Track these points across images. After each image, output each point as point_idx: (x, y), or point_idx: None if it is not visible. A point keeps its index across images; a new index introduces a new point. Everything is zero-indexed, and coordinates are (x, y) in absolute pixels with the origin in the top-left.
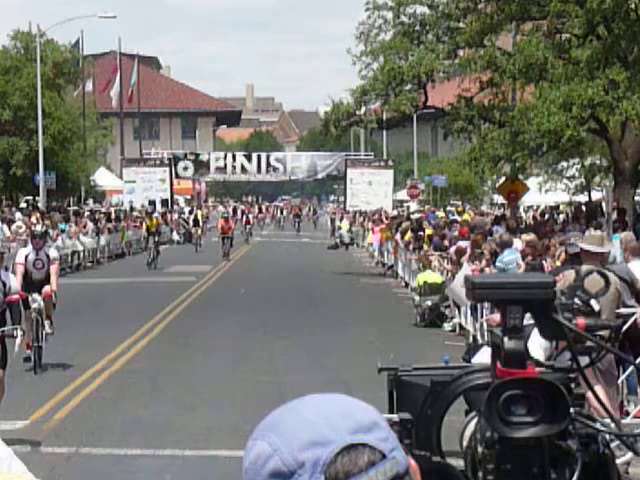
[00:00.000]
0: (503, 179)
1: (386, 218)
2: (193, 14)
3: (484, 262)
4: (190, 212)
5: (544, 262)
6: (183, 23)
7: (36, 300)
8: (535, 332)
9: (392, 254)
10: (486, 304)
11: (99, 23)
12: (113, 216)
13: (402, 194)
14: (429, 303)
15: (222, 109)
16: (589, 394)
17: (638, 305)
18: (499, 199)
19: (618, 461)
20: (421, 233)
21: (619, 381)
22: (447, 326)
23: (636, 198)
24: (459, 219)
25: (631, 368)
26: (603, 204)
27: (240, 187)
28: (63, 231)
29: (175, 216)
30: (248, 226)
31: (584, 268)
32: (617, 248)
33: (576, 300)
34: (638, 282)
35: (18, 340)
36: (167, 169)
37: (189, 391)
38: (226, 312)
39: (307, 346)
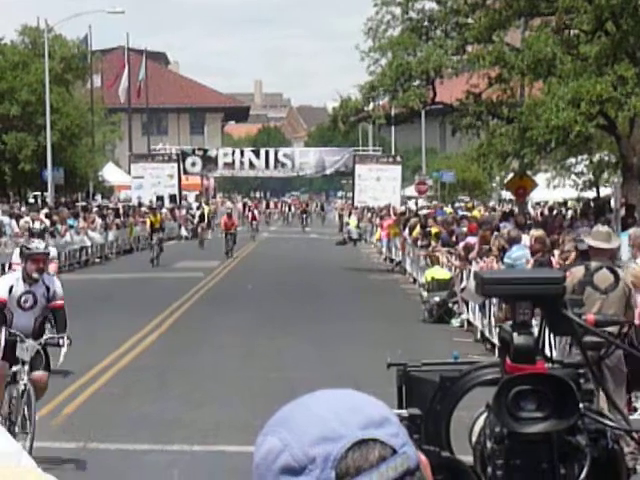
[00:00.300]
0: (511, 175)
1: (394, 214)
2: (201, 10)
3: (492, 258)
4: (198, 208)
5: (552, 258)
6: (191, 19)
7: None
8: None
9: (400, 250)
10: (494, 300)
11: (107, 18)
12: (121, 212)
13: (410, 190)
14: (437, 299)
15: (230, 105)
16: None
17: None
18: (507, 195)
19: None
20: (429, 229)
21: None
22: (455, 322)
23: None
24: (468, 215)
25: None
26: (612, 200)
27: (248, 183)
28: (71, 227)
29: (183, 212)
30: (254, 222)
31: (594, 264)
32: (625, 245)
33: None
34: None
35: (64, 349)
36: (175, 165)
37: (197, 387)
38: (234, 308)
39: (315, 342)
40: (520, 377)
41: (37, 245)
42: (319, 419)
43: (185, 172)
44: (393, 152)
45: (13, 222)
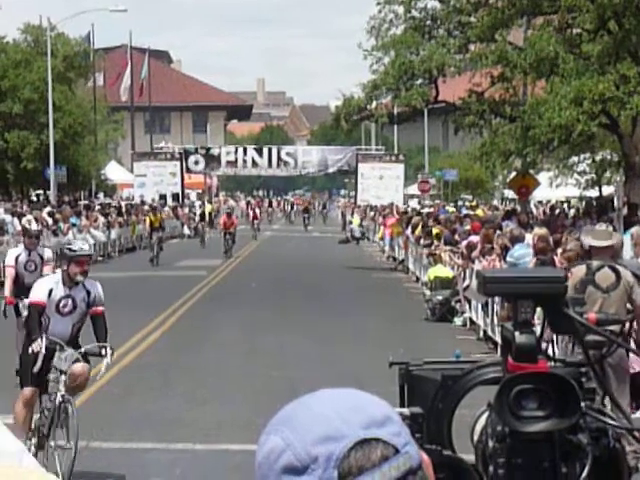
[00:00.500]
0: (514, 174)
1: (397, 212)
2: (204, 9)
3: (495, 257)
4: (201, 206)
5: (555, 257)
6: (194, 17)
7: (27, 307)
8: None
9: (403, 249)
10: (497, 298)
11: (110, 17)
12: (124, 210)
13: (413, 188)
14: (440, 298)
15: (233, 103)
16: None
17: None
18: (510, 194)
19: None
20: (430, 228)
21: None
22: (458, 321)
23: None
24: (471, 213)
25: None
26: (615, 199)
27: (251, 181)
28: (74, 225)
29: (186, 210)
30: (256, 221)
31: (595, 263)
32: (628, 244)
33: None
34: None
35: (108, 360)
36: (178, 163)
37: (200, 385)
38: (236, 306)
39: (318, 340)
40: (522, 376)
41: (81, 246)
42: (321, 418)
43: (188, 170)
44: (396, 151)
45: (15, 220)
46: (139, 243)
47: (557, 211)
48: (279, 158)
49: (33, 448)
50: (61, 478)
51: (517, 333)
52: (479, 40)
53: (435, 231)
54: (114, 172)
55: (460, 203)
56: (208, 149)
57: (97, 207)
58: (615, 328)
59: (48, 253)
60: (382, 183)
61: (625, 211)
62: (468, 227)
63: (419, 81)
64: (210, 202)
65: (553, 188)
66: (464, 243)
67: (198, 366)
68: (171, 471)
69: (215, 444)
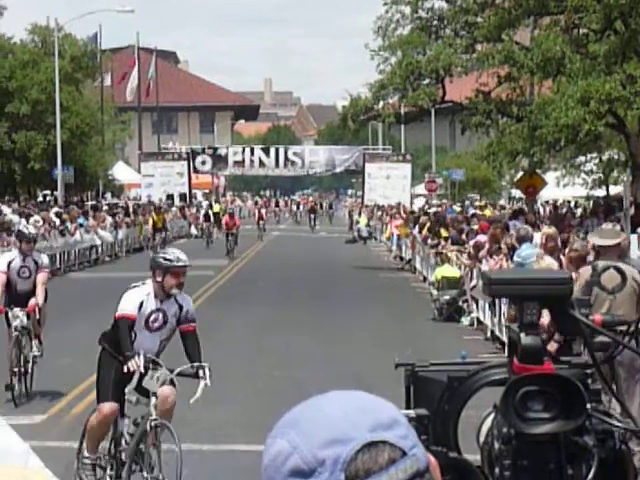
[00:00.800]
0: (521, 173)
1: (404, 212)
2: (210, 9)
3: (502, 257)
4: (210, 206)
5: (562, 257)
6: (200, 18)
7: (18, 316)
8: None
9: (410, 248)
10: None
11: (117, 18)
12: (131, 210)
13: (420, 188)
14: (447, 297)
15: (240, 103)
16: None
17: None
18: (517, 193)
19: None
20: (437, 230)
21: None
22: (465, 320)
23: None
24: (479, 213)
25: None
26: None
27: (258, 181)
28: (81, 225)
29: (193, 210)
30: (262, 222)
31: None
32: (635, 243)
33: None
34: None
35: (207, 381)
36: (185, 163)
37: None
38: (243, 306)
39: (324, 340)
40: (527, 377)
41: (178, 255)
42: (328, 421)
43: (195, 170)
44: (403, 150)
45: (23, 221)
46: (146, 243)
47: (564, 210)
48: (286, 158)
49: (108, 479)
50: None
51: (523, 334)
52: (486, 40)
53: (444, 234)
54: (121, 172)
55: (467, 203)
56: (215, 149)
57: (105, 207)
58: (623, 328)
59: (44, 259)
60: (389, 183)
61: (632, 211)
62: (476, 227)
63: (426, 81)
64: (218, 202)
65: (560, 188)
66: (471, 243)
67: None
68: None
69: (221, 444)
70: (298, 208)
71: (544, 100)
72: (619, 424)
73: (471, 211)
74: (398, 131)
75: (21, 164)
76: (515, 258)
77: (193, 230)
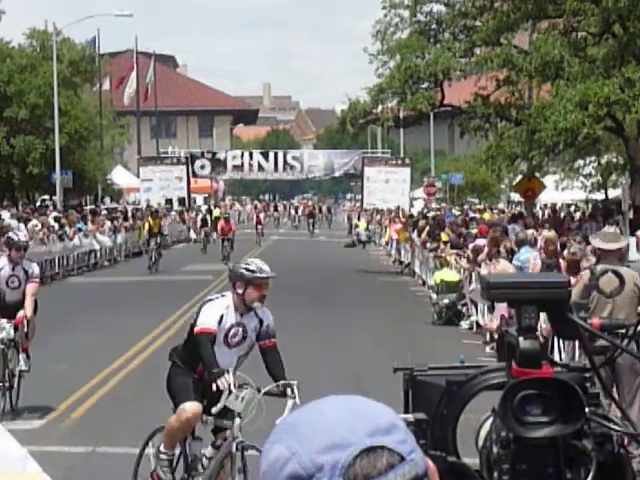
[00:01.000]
0: (520, 177)
1: (403, 216)
2: (209, 13)
3: (501, 260)
4: (209, 211)
5: (561, 260)
6: (199, 22)
7: (4, 328)
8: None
9: (409, 252)
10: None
11: (116, 22)
12: (130, 215)
13: (419, 192)
14: (446, 301)
15: (239, 107)
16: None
17: None
18: (516, 197)
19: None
20: (437, 233)
21: None
22: (464, 324)
23: None
24: (478, 217)
25: None
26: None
27: (257, 185)
28: (80, 230)
29: (193, 214)
30: (260, 226)
31: (599, 268)
32: (633, 246)
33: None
34: None
35: (297, 400)
36: (184, 167)
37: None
38: None
39: (323, 344)
40: (526, 381)
41: (261, 266)
42: (326, 426)
43: (194, 175)
44: (402, 154)
45: (22, 225)
46: (145, 248)
47: (562, 214)
48: (285, 162)
49: None
50: None
51: (521, 339)
52: (484, 44)
53: (444, 238)
54: (120, 177)
55: (466, 207)
56: (214, 153)
57: (103, 212)
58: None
59: (35, 269)
60: (388, 187)
61: (631, 214)
62: (475, 230)
63: (425, 85)
64: (218, 206)
65: (559, 191)
66: (470, 246)
67: None
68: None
69: None
70: (296, 212)
71: (543, 104)
72: (618, 428)
73: (470, 215)
74: (397, 135)
75: (19, 169)
76: (514, 262)
77: (192, 234)
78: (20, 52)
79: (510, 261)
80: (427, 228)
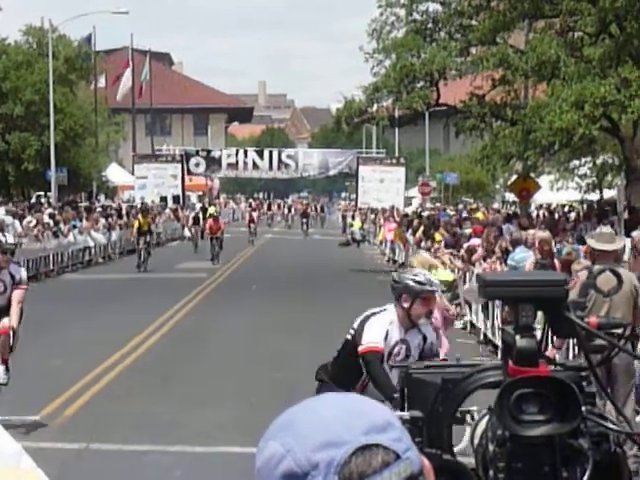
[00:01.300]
0: (515, 177)
1: (397, 216)
2: (205, 11)
3: (495, 260)
4: (203, 209)
5: (555, 261)
6: (195, 20)
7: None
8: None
9: (403, 252)
10: (497, 302)
11: (111, 19)
12: (124, 212)
13: (414, 191)
14: None
15: (234, 106)
16: None
17: None
18: (511, 197)
19: None
20: (432, 233)
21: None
22: (458, 324)
23: None
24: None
25: None
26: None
27: (252, 184)
28: (75, 227)
29: (187, 212)
30: (252, 225)
31: (596, 267)
32: (627, 247)
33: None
34: None
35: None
36: (179, 165)
37: (199, 387)
38: (237, 308)
39: (317, 343)
40: (522, 380)
41: (430, 278)
42: (322, 424)
43: (189, 172)
44: (397, 154)
45: (16, 222)
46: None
47: (556, 215)
48: (280, 160)
49: None
50: None
51: (518, 337)
52: (480, 43)
53: (438, 237)
54: (115, 174)
55: (461, 206)
56: (209, 151)
57: (98, 209)
58: (619, 331)
59: (22, 274)
60: (383, 186)
61: (626, 215)
62: (469, 230)
63: (420, 84)
64: (213, 204)
65: (554, 191)
66: (465, 246)
67: (198, 369)
68: (171, 473)
69: (215, 446)
70: (290, 211)
71: (538, 103)
72: (614, 427)
73: (464, 214)
74: (392, 134)
75: (15, 165)
76: (509, 261)
77: (186, 232)
78: (16, 49)
79: (505, 261)
80: (421, 228)
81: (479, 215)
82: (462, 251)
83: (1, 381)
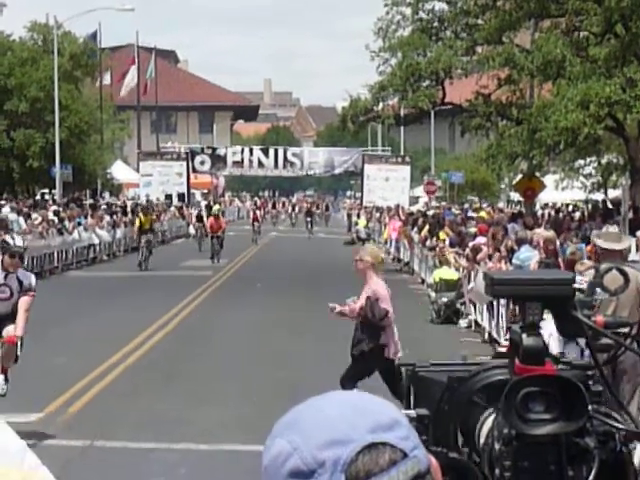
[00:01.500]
0: (520, 176)
1: (403, 214)
2: (211, 9)
3: (501, 259)
4: (208, 207)
5: (560, 260)
6: (200, 17)
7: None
8: None
9: (408, 250)
10: (502, 301)
11: (117, 16)
12: (129, 209)
13: (419, 190)
14: (445, 299)
15: (239, 103)
16: None
17: None
18: (516, 196)
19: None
20: (437, 232)
21: None
22: (463, 323)
23: None
24: (475, 215)
25: None
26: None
27: (257, 182)
28: (80, 224)
29: (192, 210)
30: (256, 224)
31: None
32: (633, 246)
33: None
34: None
35: None
36: (184, 163)
37: (204, 385)
38: (242, 306)
39: (322, 341)
40: (529, 378)
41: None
42: (329, 422)
43: (194, 170)
44: (402, 152)
45: (21, 219)
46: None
47: (561, 215)
48: (285, 159)
49: None
50: None
51: (524, 335)
52: (486, 42)
53: (442, 236)
54: (120, 171)
55: (466, 205)
56: (214, 149)
57: (103, 206)
58: (625, 330)
59: (31, 280)
60: (388, 185)
61: (631, 214)
62: (473, 229)
63: (426, 83)
64: (218, 202)
65: (559, 191)
66: (470, 244)
67: (203, 366)
68: (175, 471)
69: (220, 444)
70: (294, 210)
71: (544, 103)
72: (620, 426)
73: (469, 213)
74: (397, 133)
75: (19, 162)
76: (514, 260)
77: (191, 230)
78: (21, 45)
79: (510, 260)
80: (426, 226)
81: (483, 214)
82: (467, 250)
83: (0, 392)
